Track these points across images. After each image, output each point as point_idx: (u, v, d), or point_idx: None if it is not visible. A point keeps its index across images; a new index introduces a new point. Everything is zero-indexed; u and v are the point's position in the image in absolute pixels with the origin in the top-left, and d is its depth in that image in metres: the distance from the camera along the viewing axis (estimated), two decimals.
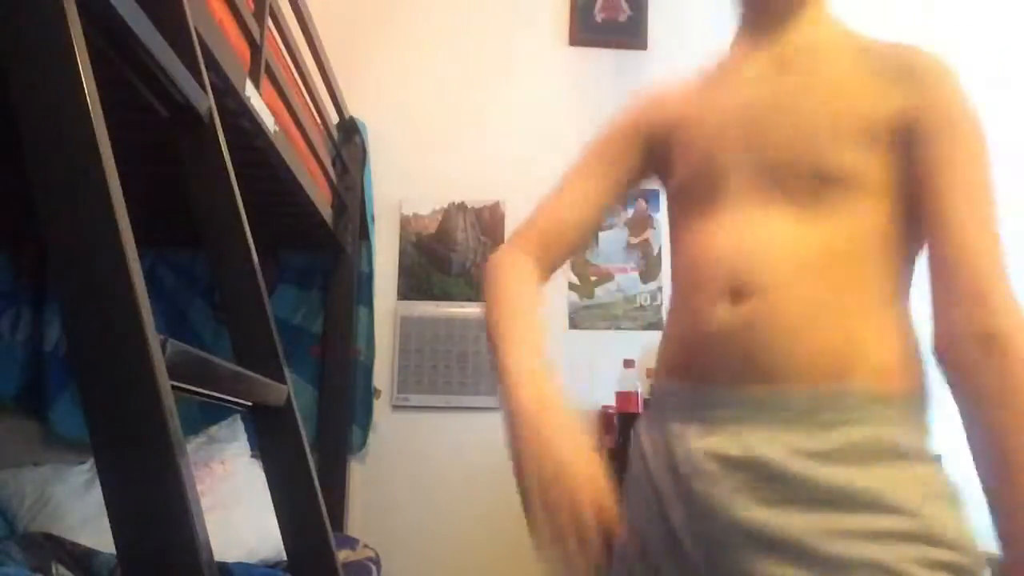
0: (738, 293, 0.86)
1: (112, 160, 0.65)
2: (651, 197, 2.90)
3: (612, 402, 2.55)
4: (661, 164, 1.05)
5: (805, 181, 0.89)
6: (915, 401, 0.89)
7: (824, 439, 0.81)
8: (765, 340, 0.84)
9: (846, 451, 0.81)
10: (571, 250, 1.08)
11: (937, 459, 0.89)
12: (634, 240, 2.91)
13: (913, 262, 0.93)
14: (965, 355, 0.82)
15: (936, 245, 0.86)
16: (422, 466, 2.78)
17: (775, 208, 0.90)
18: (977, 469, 0.81)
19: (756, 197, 0.91)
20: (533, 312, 0.97)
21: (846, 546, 0.77)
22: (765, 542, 0.80)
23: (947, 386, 0.85)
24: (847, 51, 0.97)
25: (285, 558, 1.03)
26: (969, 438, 0.84)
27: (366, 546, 2.42)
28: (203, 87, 1.02)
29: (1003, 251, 0.85)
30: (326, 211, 2.41)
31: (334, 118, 2.66)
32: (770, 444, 0.82)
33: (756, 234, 0.89)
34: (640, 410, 2.47)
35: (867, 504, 0.79)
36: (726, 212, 0.92)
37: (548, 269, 1.04)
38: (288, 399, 1.03)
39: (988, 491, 0.80)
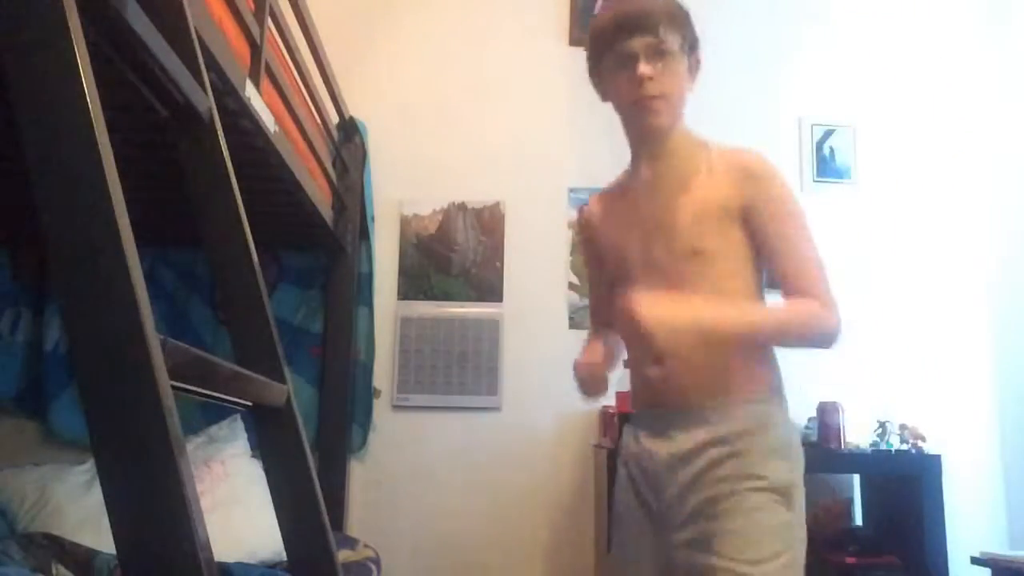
0: (656, 358, 1.37)
1: (112, 160, 0.65)
2: None
3: (612, 402, 2.55)
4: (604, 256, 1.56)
5: (680, 263, 1.38)
6: (773, 396, 1.39)
7: (714, 431, 1.35)
8: (677, 386, 1.39)
9: (729, 437, 1.34)
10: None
11: (779, 428, 1.37)
12: None
13: (762, 297, 1.42)
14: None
15: (782, 276, 1.37)
16: (422, 466, 2.78)
17: (663, 288, 1.36)
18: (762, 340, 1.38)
19: (654, 280, 1.39)
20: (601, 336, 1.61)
21: (717, 486, 1.33)
22: (686, 491, 1.35)
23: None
24: (702, 163, 1.41)
25: (285, 558, 1.03)
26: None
27: (366, 546, 2.42)
28: (203, 87, 1.02)
29: (820, 264, 1.36)
30: (326, 211, 2.41)
31: (334, 118, 2.66)
32: (684, 441, 1.37)
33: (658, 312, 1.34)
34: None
35: (733, 461, 1.33)
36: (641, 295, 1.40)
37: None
38: (288, 399, 1.03)
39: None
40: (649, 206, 1.43)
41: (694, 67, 1.44)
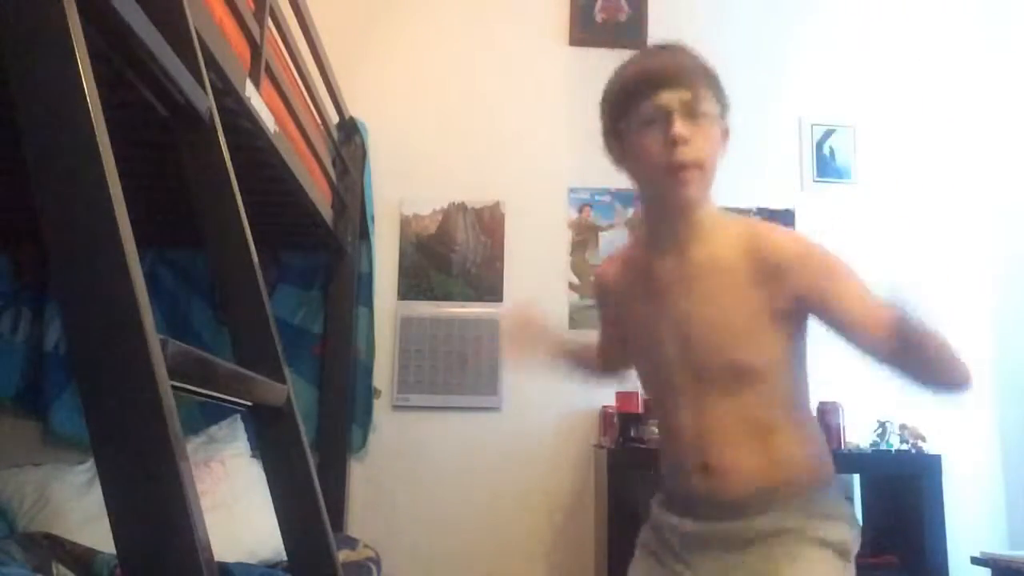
0: (702, 468, 1.28)
1: (112, 160, 0.65)
2: None
3: (612, 402, 2.55)
4: (624, 325, 1.45)
5: (726, 374, 1.27)
6: (827, 487, 1.31)
7: (768, 521, 1.25)
8: (727, 492, 1.27)
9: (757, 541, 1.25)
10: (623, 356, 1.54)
11: (841, 513, 1.29)
12: None
13: (807, 384, 1.34)
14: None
15: (850, 334, 1.24)
16: (422, 466, 2.78)
17: (710, 396, 1.28)
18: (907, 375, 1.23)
19: (697, 388, 1.29)
20: (591, 356, 1.60)
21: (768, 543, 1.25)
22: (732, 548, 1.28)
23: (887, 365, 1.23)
24: (739, 254, 1.27)
25: (285, 558, 1.03)
26: (905, 372, 1.23)
27: (366, 546, 2.42)
28: (203, 87, 1.02)
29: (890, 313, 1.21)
30: (326, 211, 2.41)
31: (334, 118, 2.66)
32: (731, 527, 1.27)
33: (703, 419, 1.29)
34: (640, 410, 2.48)
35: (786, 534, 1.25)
36: (678, 394, 1.32)
37: (610, 361, 1.60)
38: (288, 399, 1.03)
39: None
40: (683, 303, 1.29)
41: (726, 135, 1.30)
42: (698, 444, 1.28)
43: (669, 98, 1.21)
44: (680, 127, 1.20)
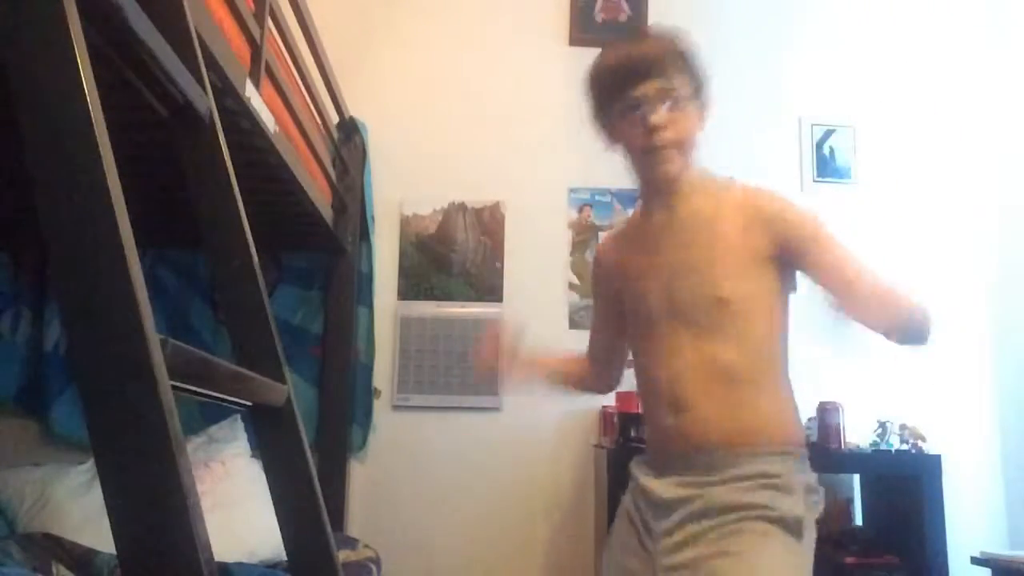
0: (674, 407, 1.35)
1: (112, 160, 0.65)
2: None
3: (612, 402, 2.55)
4: (620, 298, 1.51)
5: (700, 311, 1.33)
6: (796, 450, 1.35)
7: (722, 475, 1.30)
8: (694, 434, 1.33)
9: (732, 480, 1.29)
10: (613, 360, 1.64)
11: (798, 477, 1.31)
12: None
13: (787, 340, 1.39)
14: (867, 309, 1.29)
15: (835, 290, 1.30)
16: (422, 466, 2.78)
17: (685, 338, 1.35)
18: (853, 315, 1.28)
19: (674, 330, 1.36)
20: (579, 368, 1.67)
21: (720, 516, 1.27)
22: (687, 518, 1.30)
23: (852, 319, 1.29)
24: (722, 207, 1.36)
25: (285, 558, 1.03)
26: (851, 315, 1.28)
27: (366, 546, 2.42)
28: (203, 87, 1.02)
29: (864, 267, 1.30)
30: (326, 211, 2.41)
31: (334, 118, 2.66)
32: (693, 483, 1.32)
33: (677, 361, 1.35)
34: (640, 410, 2.47)
35: (742, 496, 1.28)
36: (657, 341, 1.39)
37: (599, 361, 1.65)
38: (288, 399, 1.02)
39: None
40: (669, 252, 1.39)
41: (704, 108, 1.39)
42: (671, 387, 1.35)
43: (643, 89, 1.31)
44: (656, 116, 1.31)
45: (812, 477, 1.34)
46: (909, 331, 1.27)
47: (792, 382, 1.40)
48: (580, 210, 2.96)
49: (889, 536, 2.51)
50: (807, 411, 2.54)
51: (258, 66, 1.61)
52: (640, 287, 1.43)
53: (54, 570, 1.80)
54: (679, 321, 1.35)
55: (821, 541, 1.33)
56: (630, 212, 2.92)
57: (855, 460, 2.53)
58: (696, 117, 1.36)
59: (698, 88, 1.37)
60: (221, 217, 1.02)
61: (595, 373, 1.64)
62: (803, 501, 1.28)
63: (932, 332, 1.27)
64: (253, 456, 2.47)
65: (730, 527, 1.24)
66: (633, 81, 1.32)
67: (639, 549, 1.37)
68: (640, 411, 1.52)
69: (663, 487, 1.34)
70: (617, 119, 1.37)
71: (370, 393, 2.78)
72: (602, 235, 2.93)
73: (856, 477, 2.76)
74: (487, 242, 2.92)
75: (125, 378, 0.61)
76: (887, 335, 1.27)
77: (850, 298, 1.27)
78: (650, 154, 1.34)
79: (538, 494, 2.78)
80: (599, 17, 3.07)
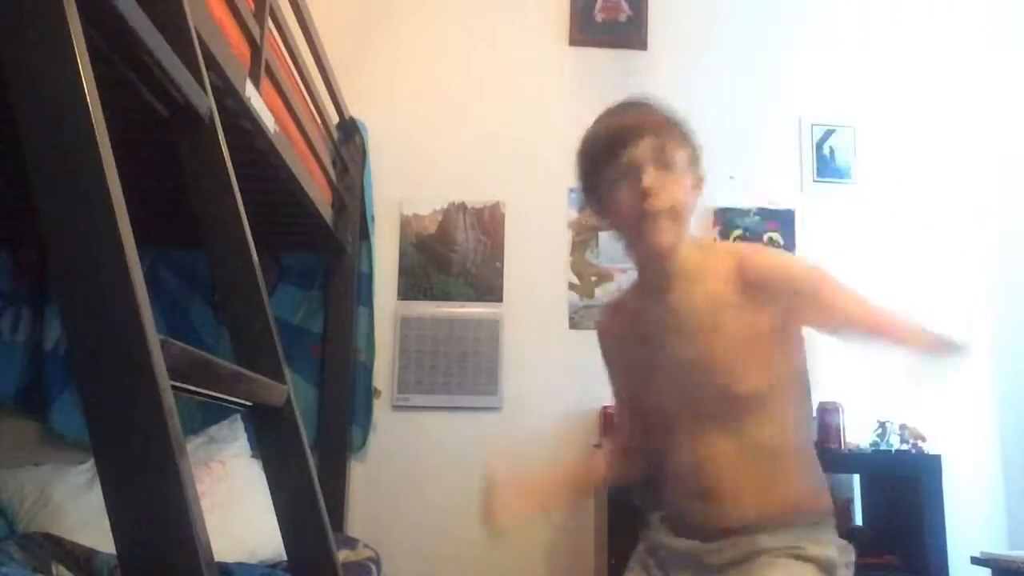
0: (702, 496, 1.32)
1: (112, 160, 0.65)
2: None
3: (612, 402, 2.55)
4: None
5: (724, 407, 1.29)
6: (825, 519, 1.34)
7: (752, 547, 1.29)
8: (727, 519, 1.30)
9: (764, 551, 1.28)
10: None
11: (829, 543, 1.31)
12: None
13: (809, 412, 1.43)
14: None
15: (857, 336, 1.31)
16: (422, 466, 2.78)
17: (710, 433, 1.31)
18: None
19: (696, 426, 1.32)
20: (585, 473, 1.62)
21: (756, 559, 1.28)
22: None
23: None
24: (722, 284, 1.29)
25: (285, 558, 1.03)
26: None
27: (366, 546, 2.42)
28: (203, 87, 1.02)
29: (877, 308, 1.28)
30: (326, 211, 2.41)
31: (334, 118, 2.66)
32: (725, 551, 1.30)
33: (704, 449, 1.31)
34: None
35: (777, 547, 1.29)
36: (677, 432, 1.35)
37: (627, 451, 1.54)
38: (288, 399, 1.02)
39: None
40: (672, 348, 1.32)
41: (698, 183, 1.33)
42: (698, 474, 1.32)
43: (636, 153, 1.26)
44: (649, 178, 1.25)
45: (840, 543, 1.33)
46: (944, 345, 1.24)
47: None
48: (580, 210, 2.95)
49: (889, 536, 2.51)
50: None
51: (258, 66, 1.61)
52: (648, 386, 1.38)
53: (54, 570, 1.80)
54: (699, 413, 1.31)
55: None
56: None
57: (855, 460, 2.53)
58: (690, 186, 1.30)
59: (692, 158, 1.32)
60: (221, 217, 1.02)
61: (635, 464, 1.52)
62: (836, 550, 1.29)
63: (962, 345, 1.23)
64: (253, 456, 2.47)
65: (759, 562, 1.26)
66: (624, 146, 1.27)
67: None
68: (645, 467, 1.47)
69: (687, 544, 1.34)
70: (608, 188, 1.30)
71: (370, 393, 2.78)
72: (603, 244, 2.93)
73: (856, 477, 2.76)
74: (487, 242, 2.92)
75: (125, 378, 0.61)
76: (928, 353, 1.24)
77: (878, 338, 1.27)
78: (642, 221, 1.27)
79: None
80: (599, 17, 3.07)
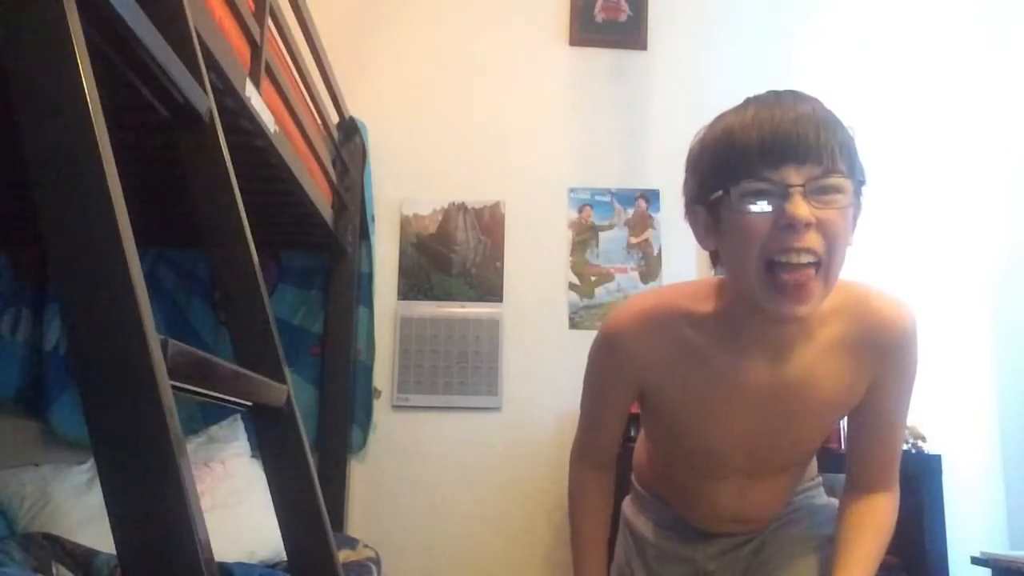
0: (734, 520, 1.30)
1: (112, 160, 0.65)
2: (651, 197, 2.90)
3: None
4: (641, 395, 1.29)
5: (796, 459, 1.28)
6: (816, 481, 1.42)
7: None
8: (752, 524, 1.32)
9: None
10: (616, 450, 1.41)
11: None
12: (634, 240, 2.91)
13: None
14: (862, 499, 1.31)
15: (870, 435, 1.25)
16: (422, 466, 2.78)
17: (760, 482, 1.25)
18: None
19: (756, 473, 1.24)
20: (604, 535, 1.40)
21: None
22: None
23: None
24: (844, 354, 1.11)
25: (285, 558, 1.03)
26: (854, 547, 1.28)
27: (366, 546, 2.42)
28: (203, 87, 1.02)
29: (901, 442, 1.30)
30: (326, 211, 2.41)
31: (334, 118, 2.66)
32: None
33: (754, 497, 1.26)
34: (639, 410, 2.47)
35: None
36: (734, 479, 1.24)
37: (610, 466, 1.40)
38: (288, 399, 1.02)
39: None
40: (763, 418, 1.15)
41: (857, 214, 1.02)
42: (733, 509, 1.29)
43: (793, 173, 0.95)
44: (802, 208, 0.93)
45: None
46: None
47: None
48: (580, 210, 2.95)
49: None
50: None
51: (258, 66, 1.61)
52: (706, 428, 1.19)
53: (54, 570, 1.80)
54: (768, 465, 1.24)
55: None
56: (631, 213, 2.92)
57: None
58: (851, 227, 1.00)
59: (857, 186, 1.00)
60: (221, 217, 1.02)
61: (609, 479, 1.40)
62: None
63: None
64: (253, 456, 2.47)
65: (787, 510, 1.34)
66: (781, 161, 0.95)
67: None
68: (648, 471, 1.47)
69: (694, 551, 1.36)
70: (737, 204, 0.97)
71: (370, 393, 2.78)
72: (602, 244, 2.92)
73: None
74: (487, 242, 2.92)
75: (125, 378, 0.61)
76: None
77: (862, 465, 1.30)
78: (781, 280, 0.96)
79: (538, 494, 2.78)
80: (599, 17, 3.07)
